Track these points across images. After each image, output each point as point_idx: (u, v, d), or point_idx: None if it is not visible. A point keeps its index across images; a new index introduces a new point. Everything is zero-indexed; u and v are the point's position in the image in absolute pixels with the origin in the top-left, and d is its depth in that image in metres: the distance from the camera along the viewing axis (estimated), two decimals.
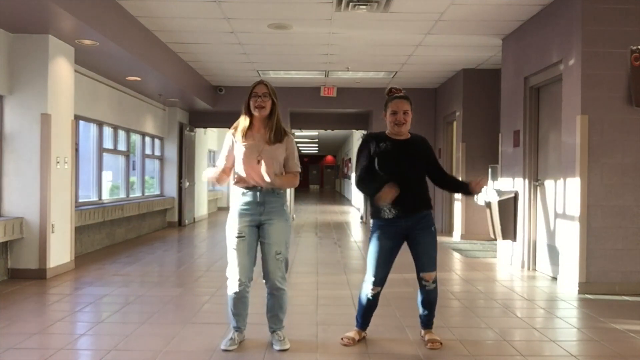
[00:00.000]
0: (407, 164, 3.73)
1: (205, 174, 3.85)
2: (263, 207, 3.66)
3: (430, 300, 3.86)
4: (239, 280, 3.66)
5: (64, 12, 5.26)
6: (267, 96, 3.68)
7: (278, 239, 3.68)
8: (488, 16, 6.75)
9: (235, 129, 3.77)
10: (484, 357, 3.66)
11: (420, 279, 3.81)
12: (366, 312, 3.91)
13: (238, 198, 3.72)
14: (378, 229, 3.78)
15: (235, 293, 3.68)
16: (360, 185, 3.79)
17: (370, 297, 3.82)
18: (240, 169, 3.71)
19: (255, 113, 3.68)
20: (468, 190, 3.84)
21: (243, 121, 3.74)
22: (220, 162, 3.80)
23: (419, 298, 3.89)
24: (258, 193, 3.67)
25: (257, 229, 3.71)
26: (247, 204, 3.68)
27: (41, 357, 3.58)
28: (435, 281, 3.82)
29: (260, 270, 3.77)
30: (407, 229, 3.74)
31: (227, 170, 3.79)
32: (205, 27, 7.37)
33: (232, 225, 3.70)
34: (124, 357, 3.61)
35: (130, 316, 4.68)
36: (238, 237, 3.66)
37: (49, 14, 5.43)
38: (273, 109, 3.71)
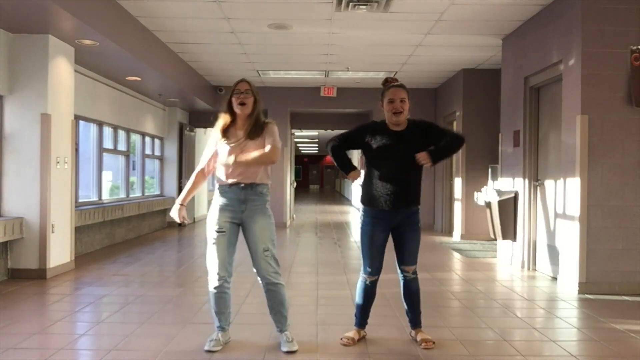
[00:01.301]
0: (404, 157, 3.72)
1: (173, 213, 3.82)
2: (245, 205, 3.65)
3: (412, 290, 3.90)
4: (218, 274, 3.67)
5: (64, 12, 5.26)
6: (249, 93, 3.67)
7: (263, 236, 3.66)
8: (488, 16, 6.75)
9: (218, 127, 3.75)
10: (484, 357, 3.66)
11: (401, 270, 3.89)
12: (364, 305, 3.93)
13: (220, 193, 3.72)
14: (370, 220, 3.81)
15: (215, 288, 3.69)
16: (330, 144, 3.88)
17: (369, 284, 3.87)
18: (223, 167, 3.70)
19: (238, 110, 3.67)
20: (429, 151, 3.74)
21: (225, 119, 3.72)
22: (203, 161, 3.79)
23: (402, 290, 3.94)
24: (240, 190, 3.65)
25: (238, 227, 3.72)
26: (229, 199, 3.67)
27: (41, 357, 3.58)
28: (415, 273, 3.90)
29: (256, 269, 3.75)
30: (397, 222, 3.79)
31: (208, 168, 3.78)
32: (205, 27, 7.37)
33: (213, 220, 3.70)
34: (124, 357, 3.61)
35: (130, 316, 4.68)
36: (218, 231, 3.66)
37: (49, 14, 5.43)
38: (255, 106, 3.70)
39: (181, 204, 3.78)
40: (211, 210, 3.75)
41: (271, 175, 3.81)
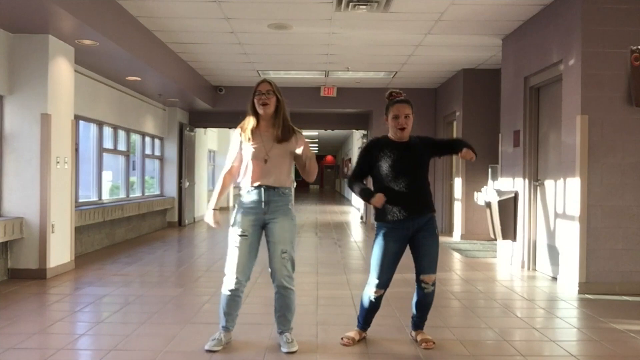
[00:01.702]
0: (413, 166, 3.76)
1: (208, 219, 3.81)
2: (268, 206, 3.65)
3: (426, 302, 3.87)
4: (236, 278, 3.66)
5: (64, 12, 5.26)
6: (271, 93, 3.66)
7: (283, 237, 3.66)
8: (488, 16, 6.75)
9: (242, 128, 3.75)
10: (484, 357, 3.66)
11: (419, 281, 3.80)
12: (368, 313, 3.92)
13: (243, 196, 3.71)
14: (384, 232, 3.76)
15: (230, 291, 3.68)
16: (350, 185, 3.91)
17: (373, 300, 3.82)
18: (247, 168, 3.70)
19: (260, 111, 3.67)
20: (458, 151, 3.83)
21: (250, 121, 3.72)
22: (229, 162, 3.80)
23: (415, 299, 3.90)
24: (263, 192, 3.65)
25: (261, 229, 3.71)
26: (252, 202, 3.67)
27: (41, 357, 3.58)
28: (434, 284, 3.82)
29: (258, 272, 3.76)
30: (413, 231, 3.75)
31: (234, 169, 3.78)
32: (205, 27, 7.37)
33: (236, 223, 3.69)
34: (124, 357, 3.61)
35: (130, 316, 4.68)
36: (241, 235, 3.65)
37: (49, 14, 5.43)
38: (278, 107, 3.70)
39: (214, 209, 3.76)
40: (235, 213, 3.74)
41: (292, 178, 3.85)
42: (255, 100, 3.67)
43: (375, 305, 3.86)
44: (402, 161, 3.74)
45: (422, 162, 3.82)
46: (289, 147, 3.70)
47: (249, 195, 3.68)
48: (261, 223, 3.69)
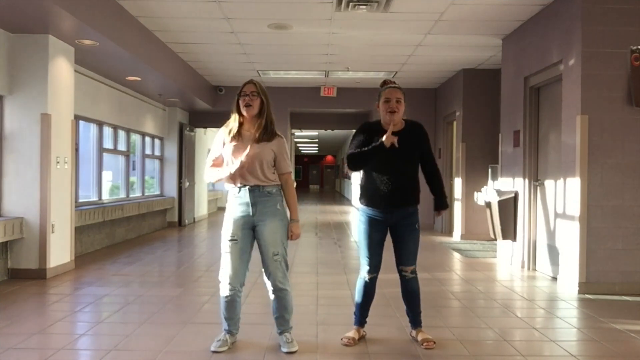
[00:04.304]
0: (399, 157, 3.76)
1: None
2: (255, 208, 3.64)
3: (411, 291, 3.93)
4: (230, 284, 3.66)
5: (64, 12, 5.26)
6: (256, 95, 3.67)
7: (273, 239, 3.65)
8: (488, 16, 6.75)
9: (227, 126, 3.75)
10: (484, 357, 3.66)
11: (399, 270, 3.92)
12: (364, 303, 3.94)
13: (230, 200, 3.72)
14: (366, 219, 3.86)
15: (226, 297, 3.68)
16: (351, 160, 3.79)
17: (368, 281, 3.89)
18: (228, 166, 3.70)
19: (244, 112, 3.67)
20: (435, 205, 4.01)
21: (233, 121, 3.73)
22: (210, 160, 3.78)
23: (401, 290, 3.97)
24: (248, 193, 3.64)
25: (251, 232, 3.70)
26: (239, 205, 3.67)
27: (41, 357, 3.58)
28: (413, 272, 3.91)
29: (258, 271, 3.76)
30: (392, 222, 3.83)
31: (219, 163, 3.76)
32: (205, 27, 7.38)
33: (226, 228, 3.69)
34: (124, 357, 3.61)
35: (130, 316, 4.68)
36: (231, 240, 3.65)
37: (49, 14, 5.43)
38: (262, 108, 3.69)
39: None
40: (225, 218, 3.74)
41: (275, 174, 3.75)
42: (240, 102, 3.68)
43: (369, 289, 3.91)
44: (389, 152, 3.72)
45: (411, 157, 3.83)
46: (268, 147, 3.66)
47: (236, 198, 3.68)
48: (250, 226, 3.68)
